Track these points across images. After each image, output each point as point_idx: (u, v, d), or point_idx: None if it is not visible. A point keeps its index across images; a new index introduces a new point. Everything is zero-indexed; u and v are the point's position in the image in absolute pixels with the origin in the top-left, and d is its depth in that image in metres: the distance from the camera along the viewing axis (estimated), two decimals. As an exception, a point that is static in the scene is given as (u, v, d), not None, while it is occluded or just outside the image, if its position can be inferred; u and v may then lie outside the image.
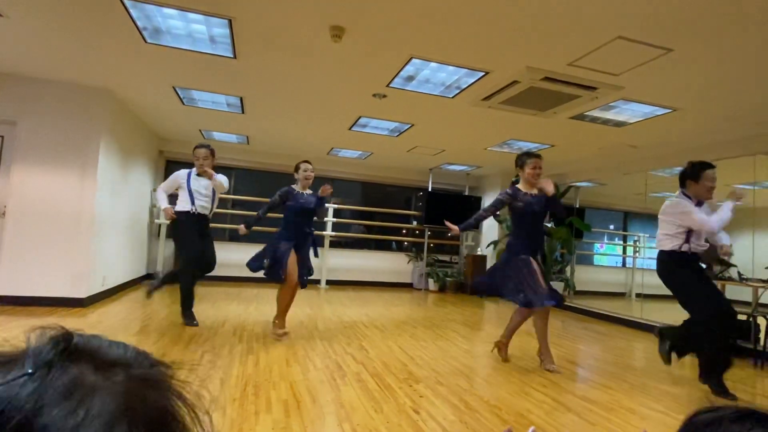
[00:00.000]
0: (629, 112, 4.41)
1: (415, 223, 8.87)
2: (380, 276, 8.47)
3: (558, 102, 4.14)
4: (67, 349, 0.28)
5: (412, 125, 5.46)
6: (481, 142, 6.05)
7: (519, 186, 3.62)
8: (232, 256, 6.93)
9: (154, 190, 7.27)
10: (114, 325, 3.98)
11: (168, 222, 4.76)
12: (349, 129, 5.85)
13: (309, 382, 2.79)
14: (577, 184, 7.63)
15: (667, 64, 3.25)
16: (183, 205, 4.24)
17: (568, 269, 8.19)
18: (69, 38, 3.57)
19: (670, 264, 3.24)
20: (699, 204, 3.21)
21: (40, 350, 0.27)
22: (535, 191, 3.59)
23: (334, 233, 8.11)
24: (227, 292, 6.28)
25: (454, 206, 8.59)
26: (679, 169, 3.53)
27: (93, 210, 4.76)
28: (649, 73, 3.43)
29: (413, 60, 3.51)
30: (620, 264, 10.77)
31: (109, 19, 3.18)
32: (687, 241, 3.18)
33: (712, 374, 3.09)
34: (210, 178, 4.26)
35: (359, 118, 5.32)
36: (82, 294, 4.67)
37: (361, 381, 2.88)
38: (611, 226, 10.76)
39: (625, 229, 10.58)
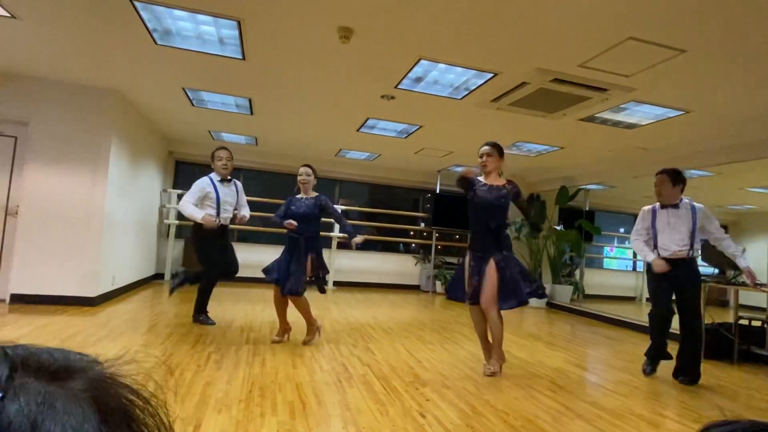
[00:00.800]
0: (640, 114, 4.35)
1: (422, 224, 8.84)
2: (387, 278, 8.46)
3: (568, 103, 4.10)
4: (16, 363, 0.26)
5: (420, 127, 5.45)
6: (490, 143, 6.01)
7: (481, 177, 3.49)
8: (241, 256, 6.95)
9: (165, 190, 7.33)
10: (122, 324, 4.01)
11: (187, 228, 4.62)
12: (357, 130, 5.84)
13: (315, 383, 2.78)
14: (587, 186, 7.56)
15: (679, 65, 3.20)
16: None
17: (577, 273, 8.11)
18: (81, 40, 3.61)
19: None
20: (665, 207, 3.52)
21: None
22: (500, 182, 3.44)
23: (341, 234, 8.11)
24: (234, 292, 6.30)
25: (462, 208, 8.52)
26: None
27: (103, 210, 4.80)
28: (662, 75, 3.38)
29: (422, 61, 3.50)
30: (630, 268, 10.65)
31: (120, 21, 3.20)
32: (655, 247, 3.49)
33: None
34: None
35: (367, 119, 5.31)
36: (92, 293, 4.72)
37: (367, 383, 2.86)
38: (621, 229, 10.64)
39: (635, 233, 10.46)
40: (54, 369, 0.27)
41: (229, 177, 4.29)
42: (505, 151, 3.74)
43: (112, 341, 3.41)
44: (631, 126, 4.72)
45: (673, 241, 3.41)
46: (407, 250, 8.98)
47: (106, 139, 4.84)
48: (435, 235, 8.45)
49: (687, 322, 3.41)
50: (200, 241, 4.13)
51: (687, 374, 3.40)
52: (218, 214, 4.12)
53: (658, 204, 3.55)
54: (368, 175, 8.53)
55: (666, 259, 3.40)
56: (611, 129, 4.89)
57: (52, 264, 4.62)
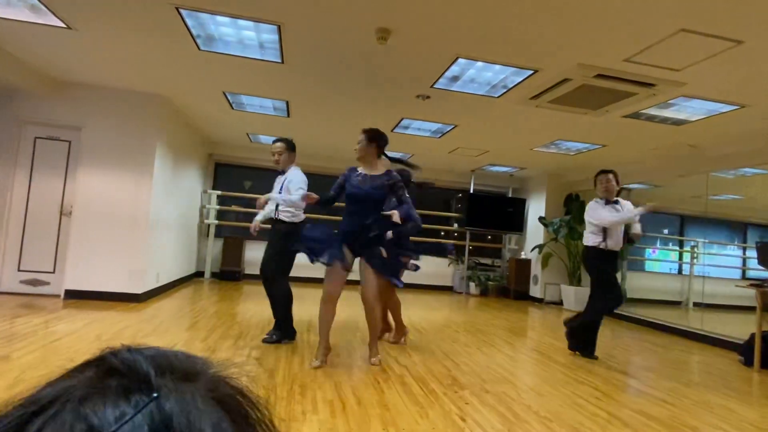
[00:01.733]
0: (690, 110, 4.14)
1: (455, 225, 8.74)
2: (419, 278, 8.37)
3: (611, 100, 3.95)
4: (158, 365, 0.28)
5: (455, 126, 5.39)
6: (527, 142, 5.88)
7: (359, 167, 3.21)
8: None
9: (205, 191, 7.58)
10: (167, 320, 4.16)
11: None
12: (392, 131, 5.84)
13: (353, 383, 2.80)
14: (629, 186, 7.26)
15: (735, 57, 3.02)
16: (299, 215, 3.73)
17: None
18: (129, 48, 3.78)
19: (592, 257, 4.03)
20: (609, 203, 4.01)
21: (141, 372, 0.27)
22: (377, 172, 3.15)
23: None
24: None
25: (496, 208, 8.40)
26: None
27: (149, 210, 5.00)
28: (715, 68, 3.21)
29: (459, 60, 3.46)
30: (675, 271, 10.16)
31: (167, 29, 3.33)
32: (604, 239, 3.92)
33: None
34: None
35: (402, 119, 5.30)
36: (139, 290, 4.93)
37: (404, 384, 2.85)
38: (665, 231, 10.17)
39: (681, 234, 9.97)
40: (184, 370, 0.28)
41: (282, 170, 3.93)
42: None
43: (159, 336, 3.55)
44: (679, 122, 4.51)
45: (618, 233, 3.98)
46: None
47: (151, 142, 5.05)
48: (468, 235, 8.34)
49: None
50: (287, 236, 3.67)
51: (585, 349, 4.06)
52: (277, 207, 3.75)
53: (603, 200, 4.06)
54: (401, 176, 8.51)
55: (610, 250, 3.93)
56: (657, 126, 4.68)
57: (102, 262, 4.85)
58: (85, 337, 3.36)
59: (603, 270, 3.98)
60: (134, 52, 3.85)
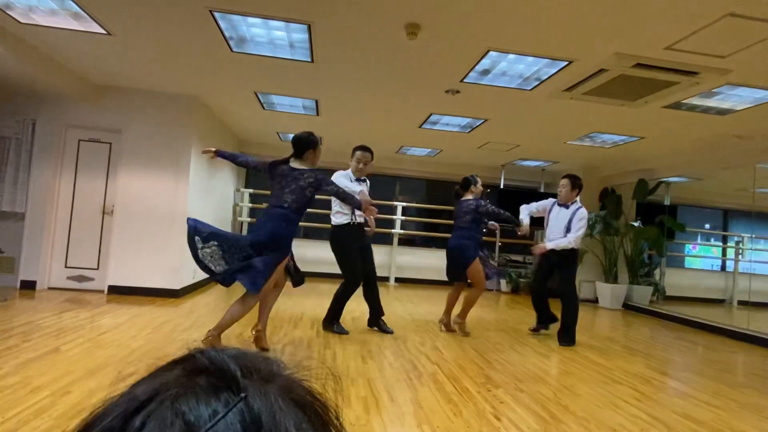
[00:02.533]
0: (736, 98, 3.93)
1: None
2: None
3: (651, 90, 3.79)
4: (243, 366, 0.29)
5: (486, 120, 5.31)
6: (561, 135, 5.73)
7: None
8: (308, 253, 7.18)
9: (238, 190, 7.77)
10: (204, 315, 4.29)
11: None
12: (420, 127, 5.81)
13: (386, 380, 2.81)
14: (669, 179, 6.98)
15: (788, 42, 2.84)
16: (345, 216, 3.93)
17: (657, 272, 7.53)
18: (165, 51, 3.90)
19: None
20: (561, 205, 4.33)
21: (228, 372, 0.28)
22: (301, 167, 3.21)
23: (402, 231, 8.14)
24: (301, 286, 6.52)
25: (527, 203, 8.22)
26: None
27: (186, 209, 5.16)
28: (764, 53, 3.02)
29: (490, 53, 3.39)
30: (718, 267, 9.69)
31: (201, 32, 3.41)
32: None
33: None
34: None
35: (430, 115, 5.26)
36: (176, 286, 5.10)
37: (437, 382, 2.84)
38: (707, 225, 9.71)
39: (725, 229, 9.50)
40: (264, 371, 0.29)
41: (363, 178, 4.13)
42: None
43: (197, 331, 3.66)
44: (723, 112, 4.29)
45: (552, 233, 4.28)
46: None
47: (187, 143, 5.20)
48: (498, 232, 8.20)
49: (562, 295, 4.25)
50: (343, 246, 3.92)
51: (563, 338, 4.19)
52: (353, 212, 3.92)
53: (556, 200, 4.37)
54: (428, 172, 8.47)
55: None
56: (700, 116, 4.46)
57: (142, 259, 5.05)
58: (128, 330, 3.51)
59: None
60: (169, 55, 3.97)
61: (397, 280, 8.01)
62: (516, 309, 6.27)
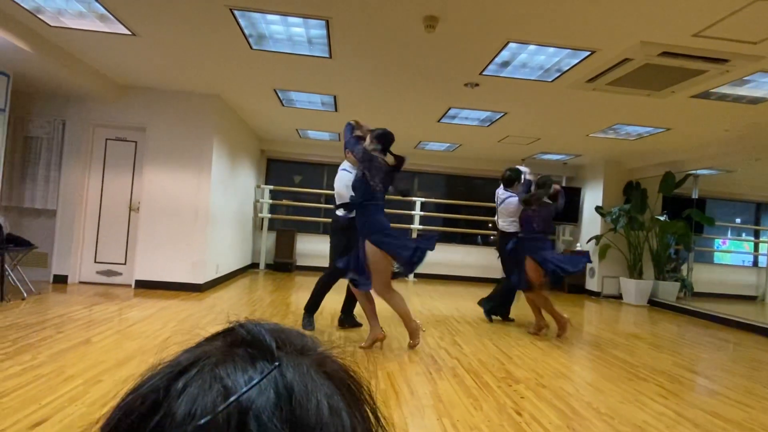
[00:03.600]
0: (769, 86, 3.78)
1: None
2: (468, 270, 8.30)
3: (678, 79, 3.67)
4: (278, 338, 0.31)
5: (505, 113, 5.23)
6: (583, 128, 5.61)
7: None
8: (327, 248, 7.23)
9: (258, 186, 7.88)
10: (227, 309, 4.38)
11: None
12: (438, 121, 5.77)
13: (406, 374, 2.82)
14: (697, 171, 6.76)
15: (826, 25, 2.71)
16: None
17: (684, 268, 7.32)
18: (187, 51, 3.97)
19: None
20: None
21: (264, 343, 0.30)
22: None
23: (421, 226, 8.12)
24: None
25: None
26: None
27: (208, 205, 5.27)
28: (801, 38, 2.89)
29: (510, 44, 3.34)
30: (750, 263, 9.35)
31: (221, 30, 3.46)
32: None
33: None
34: None
35: (449, 109, 5.22)
36: (200, 280, 5.21)
37: (457, 376, 2.83)
38: (738, 219, 9.38)
39: (757, 223, 9.15)
40: (298, 345, 0.31)
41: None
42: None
43: (220, 324, 3.72)
44: (755, 101, 4.12)
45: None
46: (485, 242, 8.73)
47: (208, 140, 5.30)
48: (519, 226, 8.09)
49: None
50: (337, 236, 3.92)
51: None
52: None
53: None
54: (447, 167, 8.41)
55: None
56: (730, 105, 4.30)
57: (166, 254, 5.18)
58: (154, 323, 3.61)
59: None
60: (191, 54, 4.05)
61: (416, 275, 8.00)
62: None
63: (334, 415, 0.28)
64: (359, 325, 3.99)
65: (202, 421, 0.25)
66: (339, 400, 0.29)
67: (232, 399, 0.26)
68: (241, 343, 0.30)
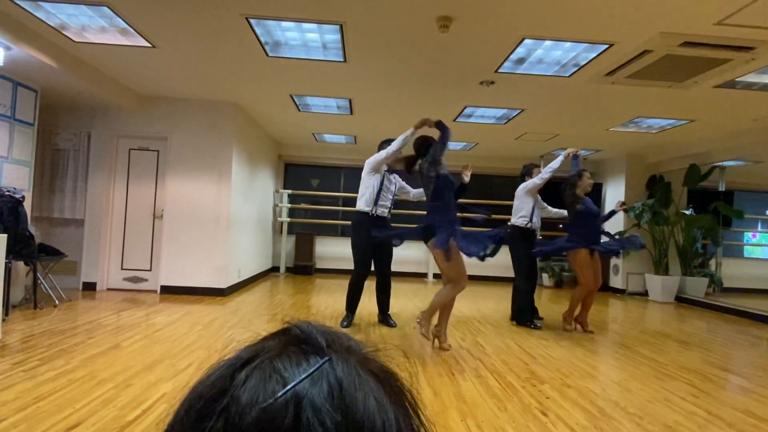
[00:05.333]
0: (799, 73, 3.64)
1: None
2: (488, 270, 8.20)
3: (701, 69, 3.58)
4: (328, 337, 0.34)
5: (522, 110, 5.18)
6: (602, 122, 5.51)
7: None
8: (345, 250, 7.27)
9: (277, 190, 7.98)
10: (250, 312, 4.45)
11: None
12: (454, 120, 5.75)
13: (428, 374, 2.81)
14: (723, 163, 6.55)
15: None
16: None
17: (712, 263, 7.10)
18: (205, 61, 4.05)
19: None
20: None
21: (316, 342, 0.33)
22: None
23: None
24: (340, 284, 6.63)
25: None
26: None
27: (229, 211, 5.36)
28: (831, 22, 2.79)
29: (525, 41, 3.31)
30: (783, 256, 9.01)
31: (238, 39, 3.53)
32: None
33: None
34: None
35: (465, 108, 5.20)
36: (223, 285, 5.31)
37: (480, 377, 2.81)
38: (767, 212, 9.05)
39: (789, 215, 8.82)
40: (345, 345, 0.34)
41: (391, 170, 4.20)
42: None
43: (243, 327, 3.81)
44: (784, 88, 3.98)
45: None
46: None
47: (228, 147, 5.39)
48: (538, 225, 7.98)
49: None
50: (358, 234, 3.98)
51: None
52: (375, 203, 4.02)
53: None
54: (463, 165, 8.34)
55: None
56: (756, 94, 4.17)
57: (190, 259, 5.29)
58: (180, 327, 3.69)
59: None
60: (209, 64, 4.13)
61: (435, 276, 7.98)
62: (560, 303, 6.10)
63: (380, 408, 0.30)
64: (394, 325, 4.12)
65: (264, 405, 0.28)
66: (383, 396, 0.31)
67: (289, 386, 0.29)
68: (295, 340, 0.33)
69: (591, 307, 4.43)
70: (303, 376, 0.29)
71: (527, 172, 4.71)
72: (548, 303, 6.14)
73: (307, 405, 0.28)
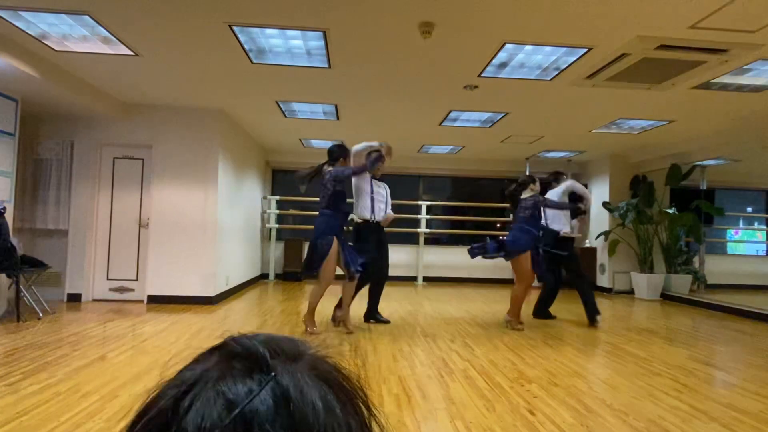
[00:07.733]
0: (771, 74, 3.75)
1: (511, 216, 8.49)
2: (477, 272, 8.27)
3: (677, 71, 3.67)
4: (271, 348, 0.33)
5: (507, 114, 5.25)
6: (585, 124, 5.60)
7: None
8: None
9: (265, 197, 7.95)
10: (239, 320, 4.42)
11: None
12: (440, 124, 5.80)
13: (417, 377, 2.83)
14: (703, 162, 6.70)
15: (824, 10, 2.70)
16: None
17: (696, 260, 7.24)
18: (189, 68, 4.04)
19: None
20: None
21: (259, 355, 0.32)
22: None
23: (428, 230, 8.13)
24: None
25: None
26: None
27: (216, 218, 5.33)
28: (799, 24, 2.88)
29: (506, 45, 3.36)
30: (763, 252, 9.22)
31: (222, 46, 3.53)
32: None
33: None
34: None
35: (450, 112, 5.25)
36: (211, 293, 5.26)
37: (469, 378, 2.83)
38: (749, 209, 9.27)
39: (768, 211, 9.04)
40: (290, 352, 0.33)
41: (378, 177, 4.44)
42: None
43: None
44: (758, 89, 4.10)
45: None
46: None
47: (214, 154, 5.37)
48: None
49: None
50: (361, 241, 4.23)
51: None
52: (372, 210, 4.27)
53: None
54: (451, 169, 8.42)
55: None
56: (733, 95, 4.28)
57: (177, 268, 5.24)
58: (168, 337, 3.66)
59: None
60: (193, 71, 4.12)
61: (425, 279, 8.01)
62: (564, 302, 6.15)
63: (329, 414, 0.30)
64: (387, 321, 4.41)
65: None
66: (333, 398, 0.31)
67: (235, 411, 0.28)
68: (236, 356, 0.32)
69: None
70: (248, 399, 0.28)
71: (555, 179, 4.99)
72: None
73: (256, 426, 0.27)
